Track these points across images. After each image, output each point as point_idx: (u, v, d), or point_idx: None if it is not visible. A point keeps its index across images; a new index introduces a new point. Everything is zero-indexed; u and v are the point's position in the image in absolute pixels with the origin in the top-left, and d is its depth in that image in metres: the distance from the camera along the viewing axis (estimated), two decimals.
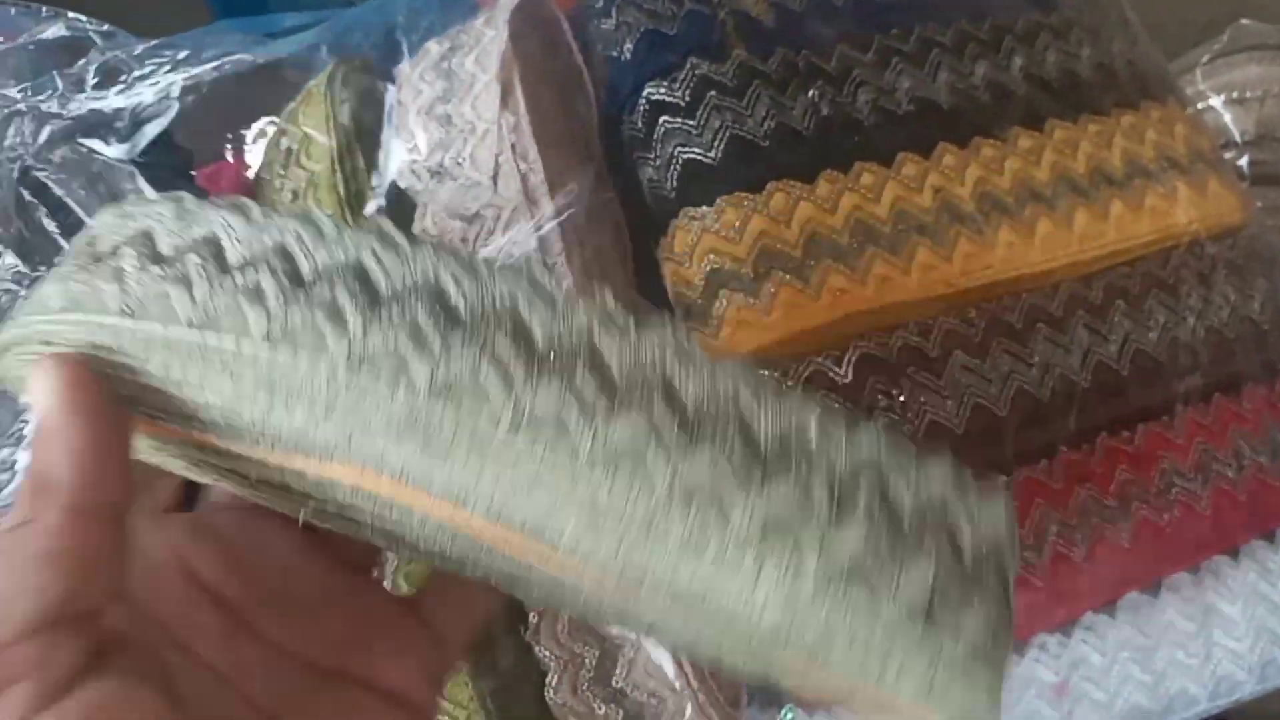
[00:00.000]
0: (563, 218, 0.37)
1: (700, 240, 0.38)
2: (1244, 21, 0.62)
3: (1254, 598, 0.41)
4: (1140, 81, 0.47)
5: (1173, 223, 0.44)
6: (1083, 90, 0.45)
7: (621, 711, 0.35)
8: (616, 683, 0.35)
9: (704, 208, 0.38)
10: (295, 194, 0.42)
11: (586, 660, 0.35)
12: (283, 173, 0.42)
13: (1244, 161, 0.58)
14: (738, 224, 0.37)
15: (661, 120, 0.39)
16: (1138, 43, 0.49)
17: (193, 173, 0.46)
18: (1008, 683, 0.36)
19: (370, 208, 0.40)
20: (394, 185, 0.40)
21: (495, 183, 0.38)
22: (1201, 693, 0.40)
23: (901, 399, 0.37)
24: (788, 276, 0.37)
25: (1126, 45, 0.48)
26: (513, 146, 0.38)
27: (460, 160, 0.39)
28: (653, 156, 0.39)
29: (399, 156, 0.40)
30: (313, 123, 0.41)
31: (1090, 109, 0.45)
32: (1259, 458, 0.42)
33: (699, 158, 0.38)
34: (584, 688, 0.35)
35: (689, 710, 0.35)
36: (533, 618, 0.36)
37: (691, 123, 0.39)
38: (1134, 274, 0.42)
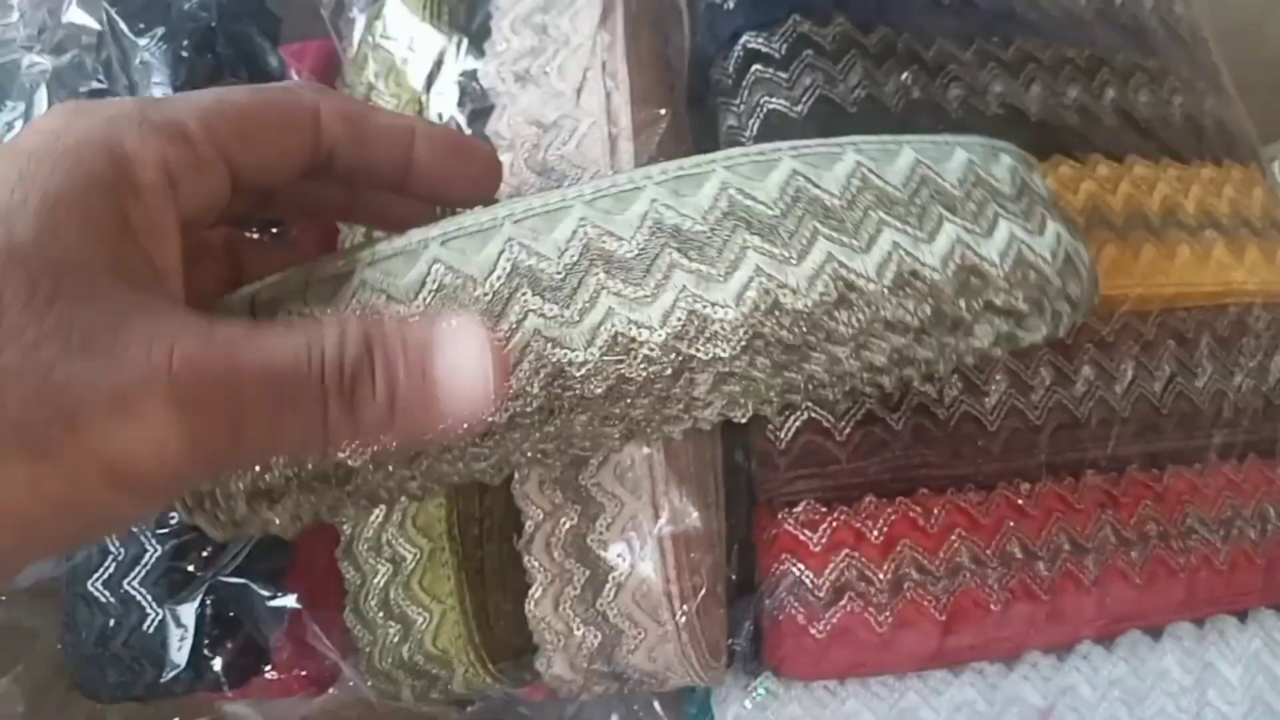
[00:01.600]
0: (637, 140, 0.37)
1: None
2: None
3: (1255, 666, 0.40)
4: (1226, 141, 0.47)
5: (1237, 279, 0.43)
6: (1169, 134, 0.45)
7: (599, 635, 0.34)
8: (600, 605, 0.34)
9: None
10: (376, 76, 0.42)
11: (575, 578, 0.34)
12: (370, 51, 0.42)
13: None
14: None
15: (753, 69, 0.39)
16: (1230, 107, 0.49)
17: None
18: (993, 694, 0.35)
19: (448, 100, 0.40)
20: (474, 81, 0.40)
21: (579, 95, 0.38)
22: None
23: (940, 384, 0.36)
24: None
25: (1218, 105, 0.48)
26: (603, 64, 0.38)
27: (548, 69, 0.39)
28: (737, 103, 0.39)
29: (488, 56, 0.40)
30: (409, 7, 0.41)
31: (1173, 154, 0.45)
32: None
33: (784, 109, 0.38)
34: (566, 605, 0.34)
35: (669, 648, 0.34)
36: (528, 527, 0.35)
37: (784, 75, 0.39)
38: (1190, 319, 0.42)
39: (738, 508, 0.38)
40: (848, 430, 0.35)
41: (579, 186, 0.26)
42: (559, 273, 0.24)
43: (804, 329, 0.25)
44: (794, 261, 0.25)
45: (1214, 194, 0.45)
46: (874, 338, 0.26)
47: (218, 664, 0.34)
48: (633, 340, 0.24)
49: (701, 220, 0.25)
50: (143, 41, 0.40)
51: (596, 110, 0.37)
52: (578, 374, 0.24)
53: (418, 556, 0.34)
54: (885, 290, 0.25)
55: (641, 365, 0.24)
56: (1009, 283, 0.27)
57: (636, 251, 0.25)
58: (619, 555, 0.33)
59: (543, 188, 0.37)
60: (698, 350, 0.24)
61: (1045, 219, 0.28)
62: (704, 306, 0.24)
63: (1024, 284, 0.27)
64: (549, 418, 0.25)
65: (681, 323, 0.24)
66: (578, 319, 0.24)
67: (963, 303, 0.26)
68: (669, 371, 0.25)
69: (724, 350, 0.24)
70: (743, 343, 0.24)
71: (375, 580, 0.35)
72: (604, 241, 0.25)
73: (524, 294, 0.24)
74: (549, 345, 0.24)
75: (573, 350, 0.24)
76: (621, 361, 0.24)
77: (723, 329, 0.24)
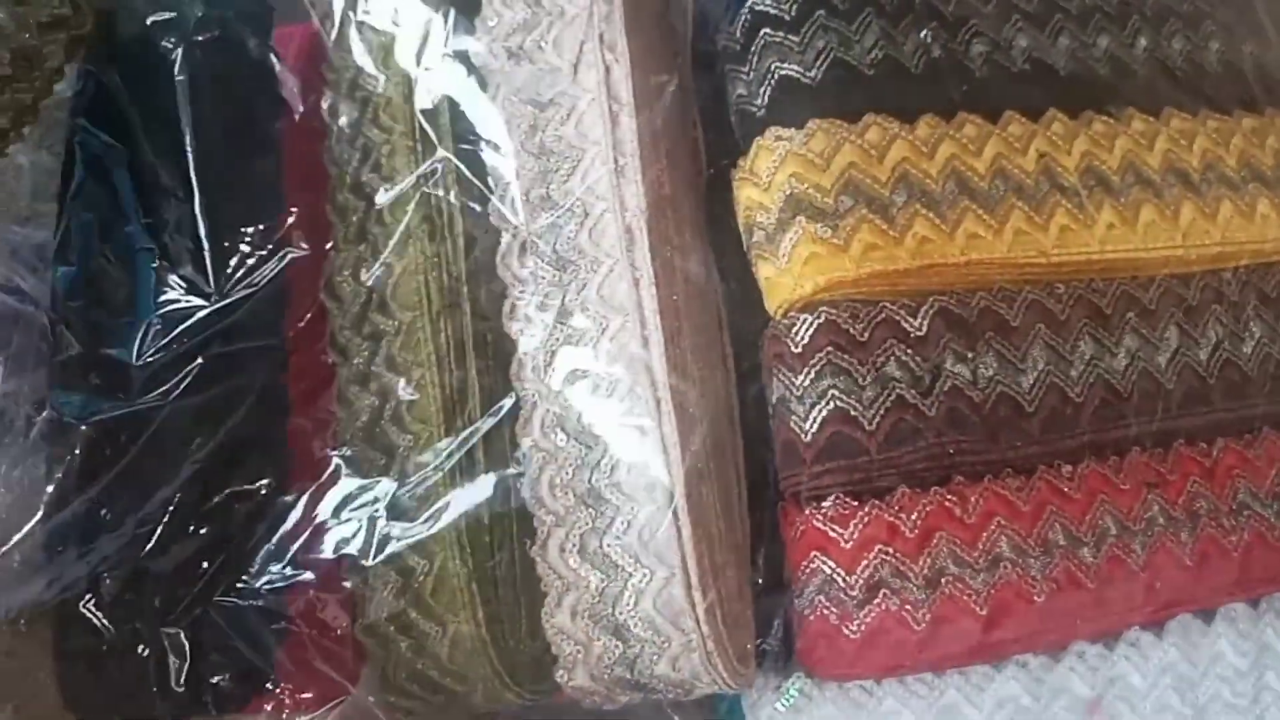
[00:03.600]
0: (639, 116, 0.35)
1: (784, 162, 0.35)
2: None
3: None
4: (1268, 87, 0.44)
5: None
6: (1206, 83, 0.42)
7: (620, 645, 0.32)
8: (620, 614, 0.32)
9: (793, 129, 0.35)
10: (363, 57, 0.39)
11: (592, 585, 0.32)
12: (353, 30, 0.39)
13: None
14: (827, 151, 0.35)
15: (763, 33, 0.36)
16: (1270, 49, 0.46)
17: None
18: (1039, 688, 0.33)
19: (438, 79, 0.37)
20: (467, 62, 0.38)
21: (576, 70, 0.36)
22: None
23: (975, 364, 0.34)
24: (872, 214, 0.34)
25: (1259, 49, 0.45)
26: (600, 36, 0.36)
27: (543, 44, 0.37)
28: (747, 70, 0.37)
29: (479, 31, 0.38)
30: None
31: (1212, 104, 0.42)
32: None
33: (797, 76, 0.36)
34: (583, 614, 0.32)
35: (695, 658, 0.32)
36: (541, 532, 0.33)
37: (795, 39, 0.36)
38: (1235, 280, 0.40)
39: (763, 503, 0.36)
40: (877, 419, 0.33)
41: None
42: None
43: None
44: None
45: (1257, 145, 0.42)
46: None
47: (216, 688, 0.33)
48: None
49: None
50: None
51: (595, 86, 0.35)
52: None
53: (427, 568, 0.32)
54: None
55: None
56: None
57: None
58: (637, 560, 0.32)
59: (541, 171, 0.35)
60: None
61: None
62: None
63: None
64: None
65: None
66: None
67: None
68: None
69: None
70: None
71: (385, 594, 0.34)
72: None
73: None
74: None
75: None
76: None
77: None
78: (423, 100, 0.36)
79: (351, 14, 0.40)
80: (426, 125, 0.36)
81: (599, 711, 0.36)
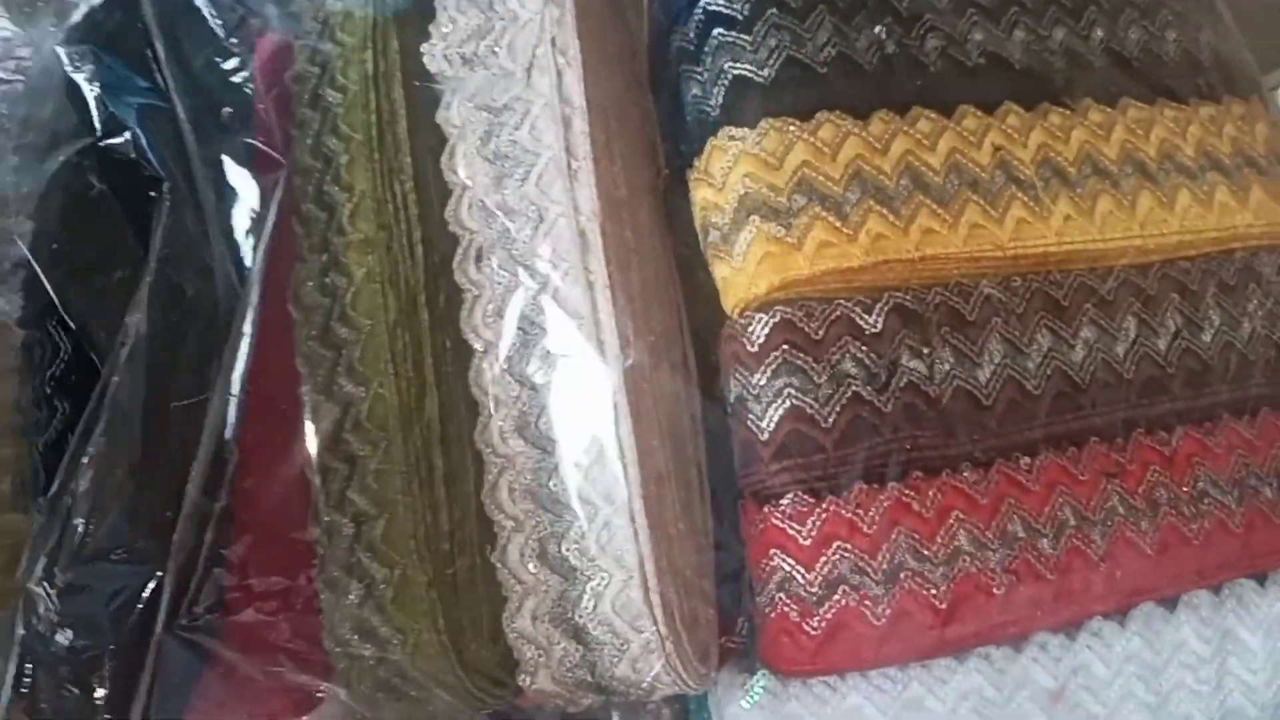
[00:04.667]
0: (592, 119, 0.35)
1: (738, 162, 0.35)
2: None
3: (1277, 629, 0.38)
4: (1225, 75, 0.44)
5: (1242, 222, 0.41)
6: (1163, 73, 0.42)
7: (581, 649, 0.32)
8: (579, 617, 0.32)
9: (746, 129, 0.35)
10: (323, 68, 0.39)
11: (551, 589, 0.32)
12: (314, 44, 0.39)
13: None
14: (780, 150, 0.35)
15: (715, 32, 0.36)
16: (1228, 38, 0.46)
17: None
18: (1002, 679, 0.33)
19: (394, 88, 0.37)
20: (422, 69, 0.38)
21: (529, 75, 0.36)
22: None
23: (931, 359, 0.34)
24: (825, 212, 0.34)
25: (1215, 38, 0.45)
26: (553, 40, 0.36)
27: (496, 49, 0.37)
28: (700, 71, 0.37)
29: (433, 38, 0.38)
30: None
31: (1169, 94, 0.42)
32: None
33: (749, 75, 0.36)
34: (543, 618, 0.32)
35: (655, 660, 0.32)
36: (500, 538, 0.33)
37: (747, 38, 0.36)
38: (1194, 269, 0.40)
39: (725, 502, 0.36)
40: (833, 416, 0.33)
41: None
42: None
43: None
44: None
45: (1214, 134, 0.42)
46: None
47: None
48: None
49: None
50: None
51: (548, 90, 0.35)
52: None
53: (388, 577, 0.33)
54: None
55: None
56: None
57: None
58: (595, 564, 0.32)
59: (496, 176, 0.35)
60: None
61: None
62: None
63: None
64: None
65: None
66: None
67: None
68: None
69: None
70: None
71: (348, 602, 0.34)
72: None
73: None
74: None
75: None
76: None
77: None
78: (380, 109, 0.36)
79: (315, 24, 0.40)
80: (385, 134, 0.36)
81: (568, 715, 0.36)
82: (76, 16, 0.39)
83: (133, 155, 0.36)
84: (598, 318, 0.33)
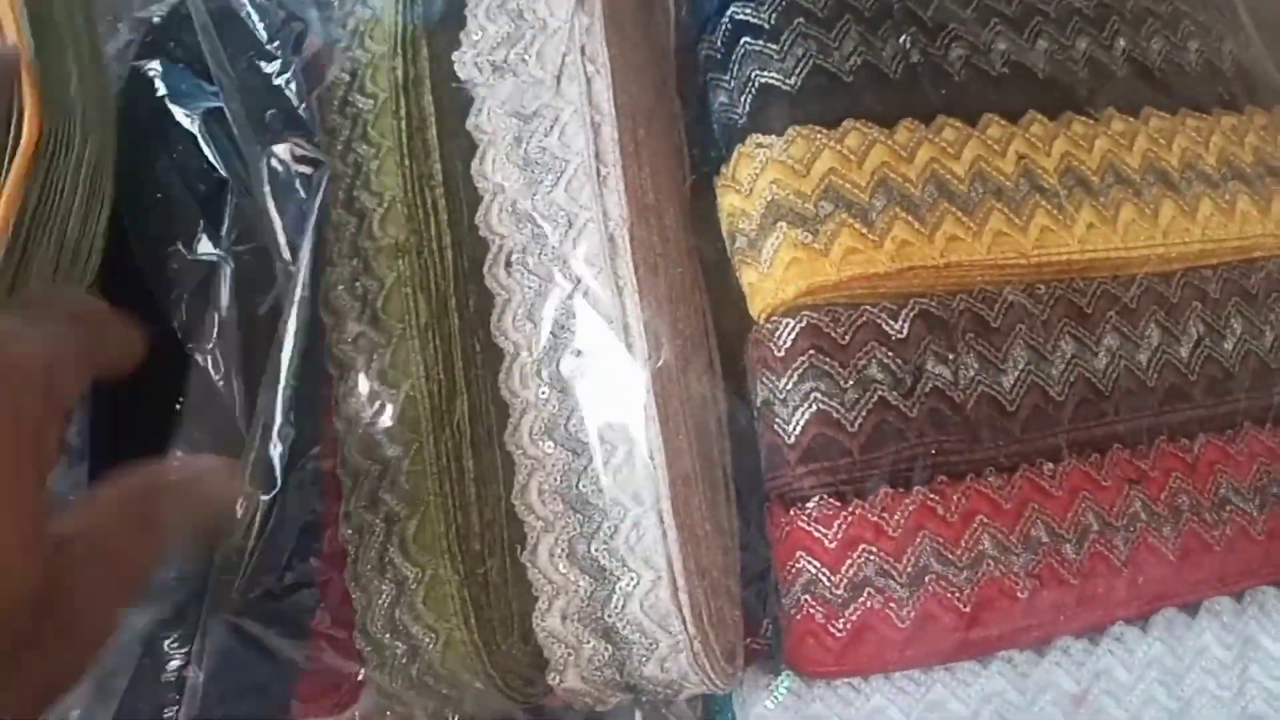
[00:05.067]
0: (621, 126, 0.35)
1: (765, 169, 0.35)
2: None
3: None
4: (1247, 85, 0.44)
5: (1265, 232, 0.41)
6: (1185, 83, 0.43)
7: (609, 647, 0.33)
8: (608, 617, 0.33)
9: (773, 136, 0.36)
10: (354, 75, 0.40)
11: (581, 589, 0.33)
12: (345, 50, 0.40)
13: None
14: (807, 157, 0.35)
15: (743, 41, 0.37)
16: (1249, 48, 0.46)
17: None
18: (1024, 682, 0.33)
19: (424, 94, 0.38)
20: (453, 76, 0.38)
21: (559, 82, 0.36)
22: None
23: (956, 364, 0.35)
24: (852, 219, 0.35)
25: (1237, 48, 0.45)
26: (582, 48, 0.36)
27: (526, 57, 0.37)
28: (728, 79, 0.37)
29: (464, 46, 0.38)
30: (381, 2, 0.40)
31: (1191, 104, 0.42)
32: None
33: (777, 83, 0.36)
34: (573, 618, 0.33)
35: (683, 659, 0.33)
36: (530, 538, 0.34)
37: (774, 47, 0.37)
38: (1216, 278, 0.40)
39: (750, 504, 0.37)
40: (859, 421, 0.33)
41: None
42: None
43: None
44: None
45: (1236, 143, 0.42)
46: None
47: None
48: None
49: None
50: None
51: (577, 97, 0.36)
52: None
53: (419, 577, 0.33)
54: None
55: None
56: None
57: None
58: (624, 564, 0.32)
59: (527, 182, 0.35)
60: None
61: None
62: None
63: None
64: None
65: None
66: None
67: None
68: None
69: None
70: None
71: (380, 601, 0.34)
72: None
73: None
74: None
75: None
76: None
77: None
78: (410, 115, 0.37)
79: (345, 31, 0.41)
80: (414, 139, 0.36)
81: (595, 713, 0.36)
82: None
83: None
84: (627, 321, 0.33)
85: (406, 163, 0.36)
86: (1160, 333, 0.38)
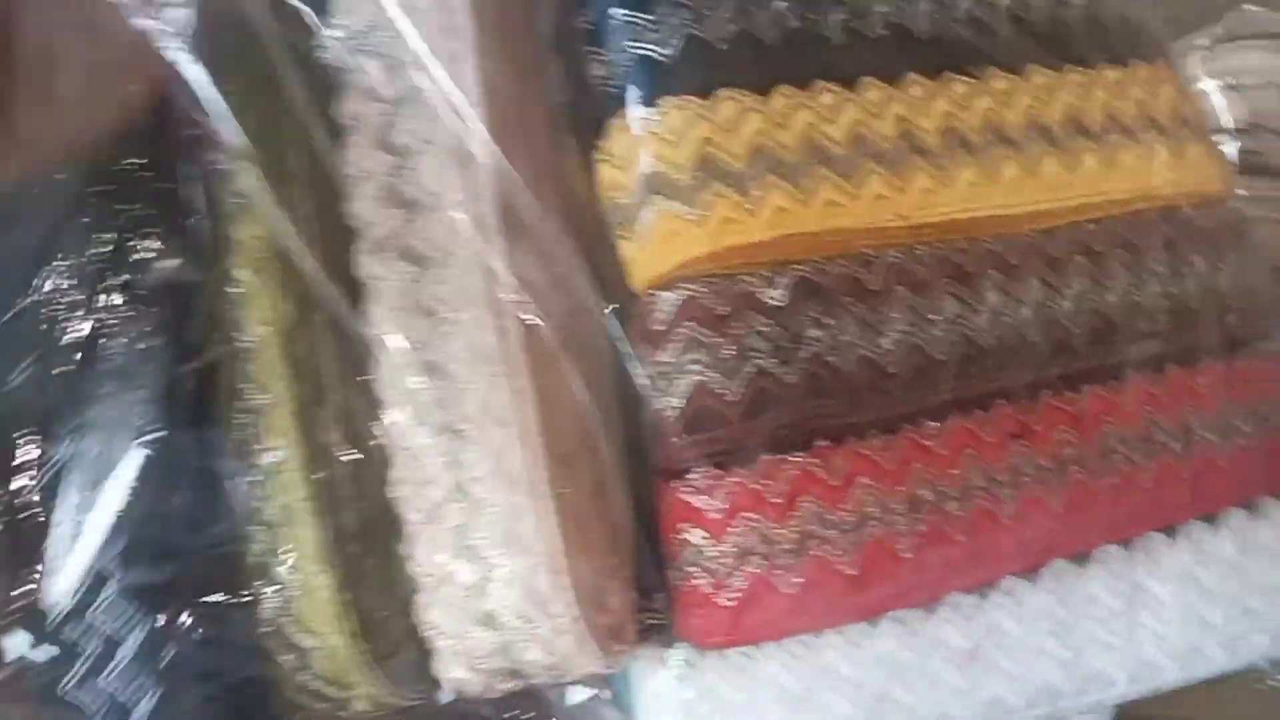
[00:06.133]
0: (489, 105, 0.35)
1: (640, 142, 0.35)
2: (1246, 7, 0.59)
3: (1187, 581, 0.39)
4: (1132, 40, 0.44)
5: (1147, 183, 0.41)
6: (1069, 39, 0.43)
7: (494, 635, 0.33)
8: (490, 604, 0.32)
9: (647, 108, 0.35)
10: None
11: (461, 578, 0.33)
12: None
13: (1234, 150, 0.55)
14: (681, 128, 0.35)
15: (616, 12, 0.36)
16: (1134, 2, 0.46)
17: None
18: (915, 640, 0.33)
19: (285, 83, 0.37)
20: (318, 63, 0.37)
21: (424, 63, 0.35)
22: (1120, 675, 0.38)
23: (834, 330, 0.35)
24: (727, 189, 0.34)
25: (1122, 2, 0.45)
26: (446, 27, 0.35)
27: (390, 38, 0.36)
28: (604, 51, 0.37)
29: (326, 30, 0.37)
30: None
31: (1074, 59, 0.42)
32: (1209, 436, 0.40)
33: (651, 54, 0.36)
34: (455, 607, 0.33)
35: (566, 641, 0.33)
36: (409, 532, 0.33)
37: (648, 17, 0.36)
38: (1100, 231, 0.40)
39: (641, 479, 0.37)
40: (739, 390, 0.33)
41: None
42: None
43: None
44: None
45: (1119, 97, 0.42)
46: None
47: None
48: None
49: None
50: None
51: (441, 78, 0.35)
52: None
53: (298, 581, 0.33)
54: None
55: None
56: None
57: None
58: (503, 550, 0.32)
59: (393, 167, 0.35)
60: None
61: None
62: None
63: None
64: None
65: None
66: None
67: None
68: None
69: None
70: None
71: (266, 609, 0.34)
72: None
73: None
74: None
75: None
76: None
77: None
78: (269, 108, 0.36)
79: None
80: (269, 134, 0.35)
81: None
82: None
83: None
84: (497, 306, 0.33)
85: (264, 156, 0.35)
86: (1043, 288, 0.38)
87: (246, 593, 0.34)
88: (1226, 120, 0.56)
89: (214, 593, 0.34)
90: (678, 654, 0.35)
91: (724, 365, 0.33)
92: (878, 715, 0.35)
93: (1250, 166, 0.55)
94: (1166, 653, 0.38)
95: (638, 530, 0.36)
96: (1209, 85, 0.58)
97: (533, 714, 0.41)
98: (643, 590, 0.36)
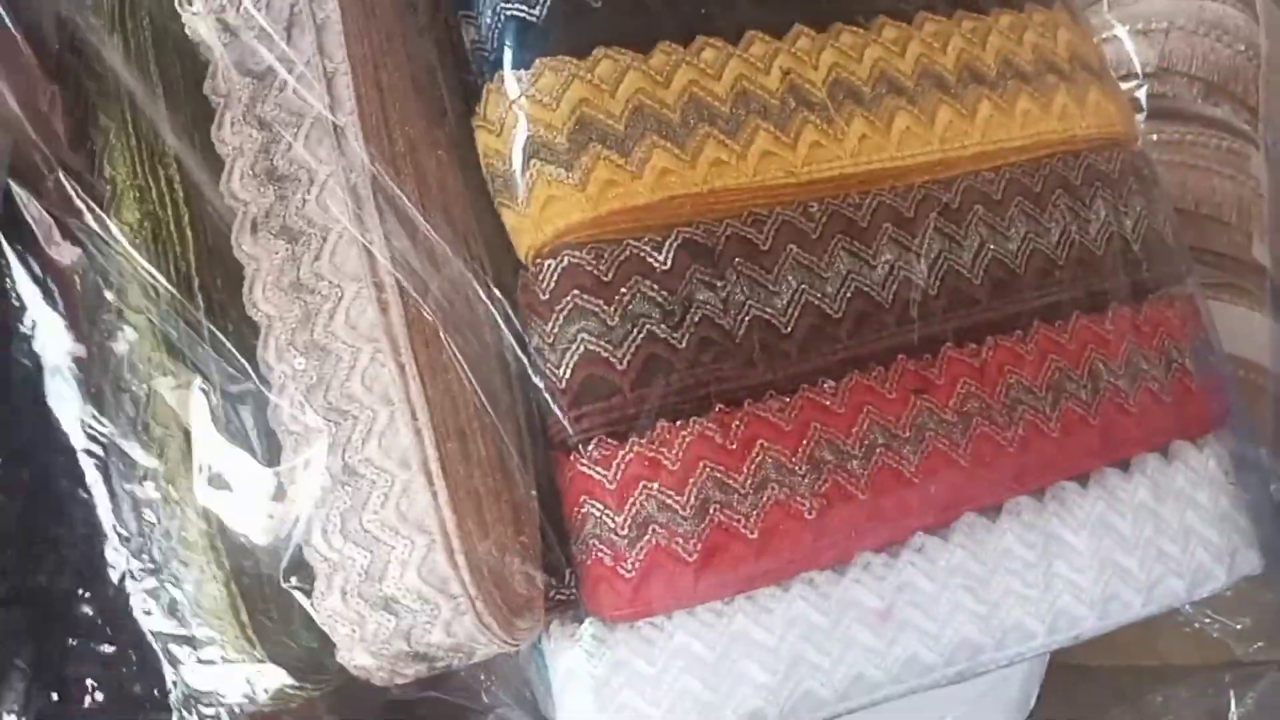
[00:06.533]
0: (359, 73, 0.33)
1: (515, 106, 0.34)
2: None
3: (1101, 528, 0.39)
4: None
5: (1046, 129, 0.41)
6: None
7: (394, 619, 0.32)
8: (388, 588, 0.31)
9: (521, 70, 0.34)
10: (82, 54, 0.37)
11: (357, 564, 0.32)
12: (78, 28, 0.37)
13: (1143, 93, 0.55)
14: (556, 89, 0.34)
15: None
16: None
17: None
18: (827, 603, 0.33)
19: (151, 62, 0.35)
20: (181, 39, 0.36)
21: (289, 34, 0.34)
22: (1039, 627, 0.38)
23: (725, 291, 0.34)
24: (607, 151, 0.33)
25: None
26: None
27: (255, 9, 0.35)
28: (475, 14, 0.35)
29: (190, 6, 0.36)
30: None
31: (967, 5, 0.42)
32: (1117, 381, 0.39)
33: (522, 15, 0.34)
34: (352, 594, 0.32)
35: (466, 621, 0.32)
36: (301, 515, 0.32)
37: None
38: (998, 179, 0.40)
39: (542, 454, 0.36)
40: (628, 357, 0.32)
41: None
42: None
43: None
44: None
45: (1015, 42, 0.42)
46: None
47: None
48: None
49: None
50: None
51: (308, 47, 0.33)
52: None
53: (191, 579, 0.31)
54: None
55: None
56: None
57: None
58: (396, 532, 0.31)
59: (264, 143, 0.33)
60: None
61: None
62: None
63: None
64: None
65: None
66: None
67: None
68: None
69: None
70: None
71: (160, 607, 0.32)
72: None
73: None
74: None
75: None
76: None
77: None
78: (135, 90, 0.34)
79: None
80: (139, 117, 0.34)
81: None
82: None
83: None
84: (377, 278, 0.32)
85: (134, 141, 0.34)
86: (941, 239, 0.38)
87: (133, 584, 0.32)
88: (1136, 65, 0.56)
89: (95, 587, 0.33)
90: (587, 629, 0.34)
91: (612, 333, 0.32)
92: (793, 679, 0.34)
93: (1159, 111, 0.55)
94: (1084, 601, 0.38)
95: (543, 506, 0.35)
96: (1120, 31, 0.57)
97: None
98: (550, 567, 0.35)
